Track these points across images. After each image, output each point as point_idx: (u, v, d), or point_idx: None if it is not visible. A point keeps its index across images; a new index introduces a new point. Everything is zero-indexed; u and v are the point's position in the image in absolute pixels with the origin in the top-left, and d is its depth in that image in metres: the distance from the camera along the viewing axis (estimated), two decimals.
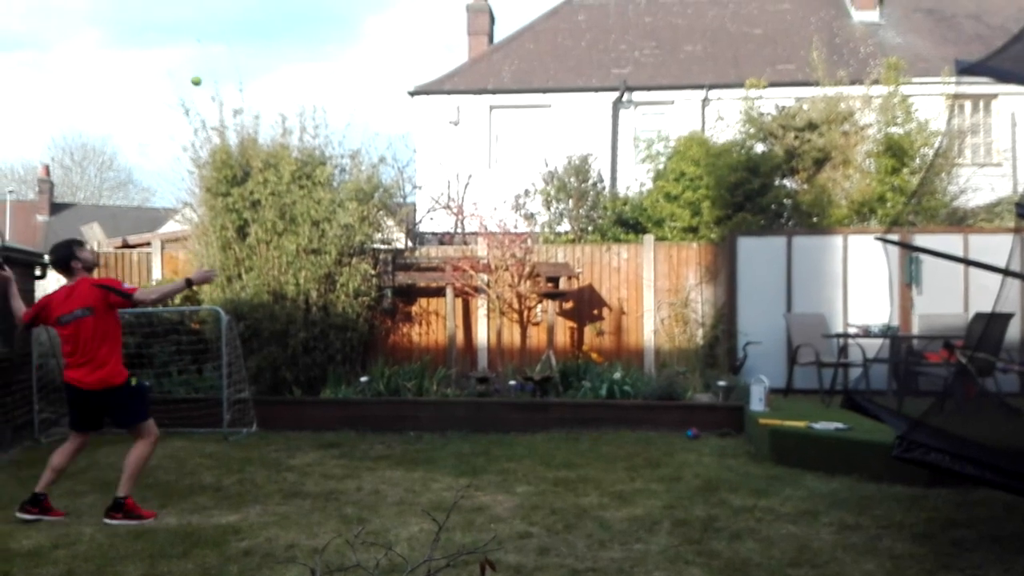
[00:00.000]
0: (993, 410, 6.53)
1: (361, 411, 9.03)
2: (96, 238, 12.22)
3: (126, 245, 12.30)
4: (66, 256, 5.53)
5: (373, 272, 10.28)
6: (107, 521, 5.30)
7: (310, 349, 9.77)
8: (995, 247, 8.82)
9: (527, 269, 10.49)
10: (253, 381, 9.41)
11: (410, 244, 12.00)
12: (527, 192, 13.98)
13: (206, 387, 9.40)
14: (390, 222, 11.05)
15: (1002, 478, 4.50)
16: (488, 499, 5.91)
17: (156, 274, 11.47)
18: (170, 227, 15.36)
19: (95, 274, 5.96)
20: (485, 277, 10.59)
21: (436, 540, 2.65)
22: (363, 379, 9.49)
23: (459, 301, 10.94)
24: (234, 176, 10.03)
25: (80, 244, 5.74)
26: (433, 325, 11.11)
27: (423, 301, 11.13)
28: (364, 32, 65.77)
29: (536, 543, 4.85)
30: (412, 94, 19.35)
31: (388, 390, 9.44)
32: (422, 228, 14.23)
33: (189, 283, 5.75)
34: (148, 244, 12.01)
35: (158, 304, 5.84)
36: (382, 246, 10.84)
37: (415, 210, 14.47)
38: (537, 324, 10.98)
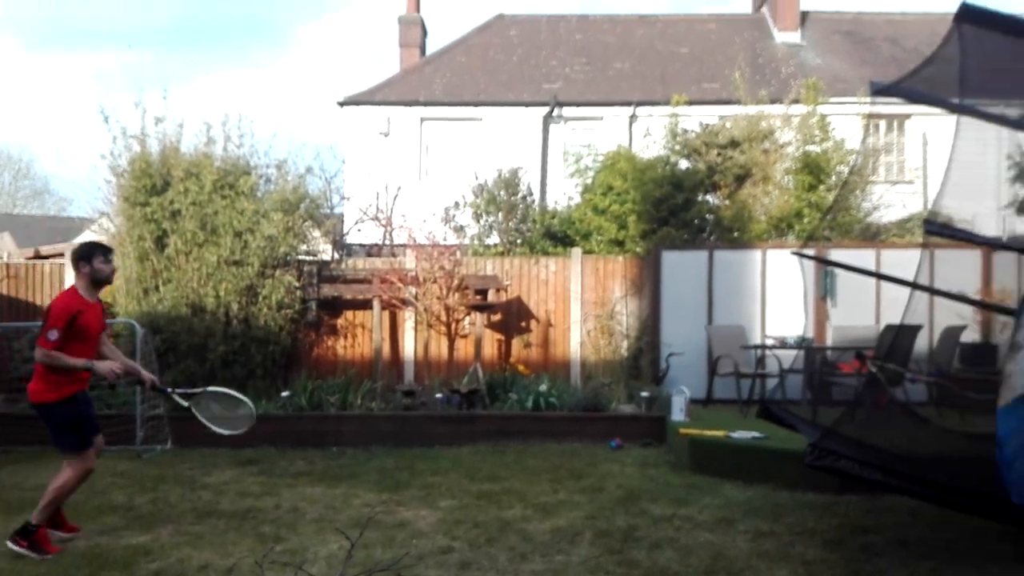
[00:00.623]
0: (902, 419, 6.77)
1: (282, 426, 8.85)
2: (6, 248, 11.74)
3: (38, 256, 11.84)
4: (78, 257, 5.15)
5: (297, 284, 10.13)
6: (9, 544, 5.00)
7: (230, 363, 9.55)
8: (906, 261, 9.14)
9: (456, 281, 10.47)
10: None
11: (336, 256, 11.84)
12: (457, 205, 13.98)
13: (119, 403, 9.08)
14: (316, 233, 10.90)
15: (907, 484, 4.67)
16: (410, 514, 5.86)
17: (68, 285, 11.06)
18: (86, 237, 14.84)
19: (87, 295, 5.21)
20: (413, 290, 10.52)
21: (349, 557, 2.60)
22: (284, 394, 9.31)
23: (386, 314, 10.84)
24: (154, 185, 9.80)
25: (104, 253, 5.23)
26: (359, 338, 10.99)
27: (349, 314, 11.00)
28: (295, 41, 64.97)
29: (457, 557, 4.81)
30: (342, 104, 19.17)
31: (311, 405, 9.27)
32: (349, 240, 14.06)
33: (90, 369, 5.09)
34: (62, 255, 11.57)
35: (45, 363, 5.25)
36: (307, 257, 10.69)
37: (342, 221, 14.29)
38: (465, 336, 10.96)
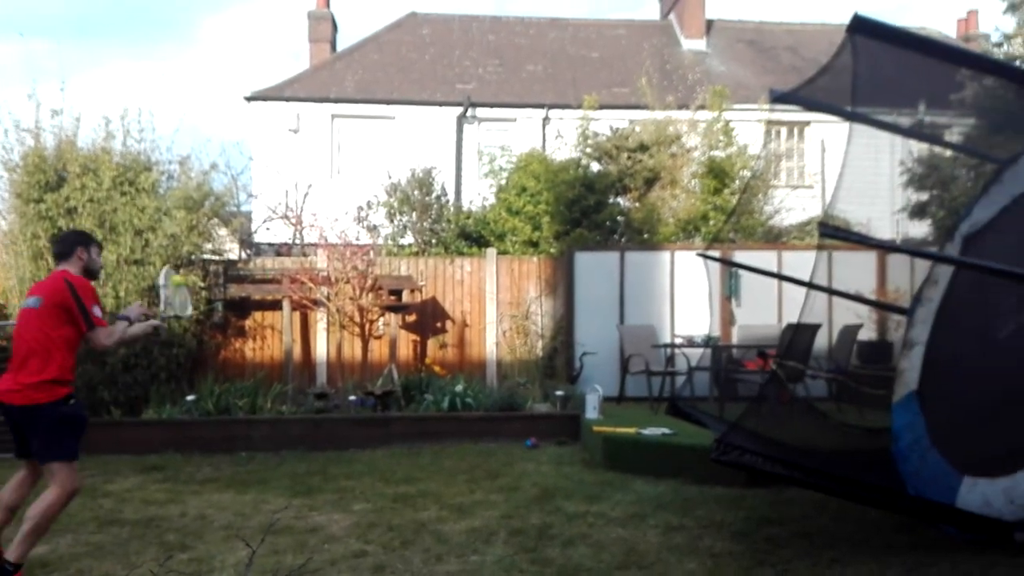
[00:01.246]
0: (803, 414, 7.07)
1: (188, 432, 8.57)
2: None
3: None
4: (74, 241, 4.71)
5: (202, 284, 9.83)
6: None
7: (131, 366, 9.19)
8: (806, 263, 9.48)
9: (369, 282, 10.34)
10: None
11: (244, 255, 11.53)
12: (369, 204, 13.82)
13: None
14: (223, 232, 10.59)
15: (808, 477, 4.87)
16: (323, 519, 5.75)
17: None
18: None
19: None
20: (325, 290, 10.34)
21: (250, 564, 2.53)
22: (190, 397, 9.01)
23: (297, 315, 10.63)
24: (48, 181, 9.36)
25: (99, 245, 4.88)
26: (268, 340, 10.73)
27: (258, 315, 10.73)
28: (200, 34, 62.90)
29: (371, 561, 4.76)
30: (249, 99, 18.68)
31: (218, 409, 8.99)
32: (258, 239, 13.72)
33: (128, 320, 4.76)
34: None
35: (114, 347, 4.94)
36: (213, 257, 10.37)
37: (250, 220, 13.93)
38: (379, 337, 10.85)
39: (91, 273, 4.74)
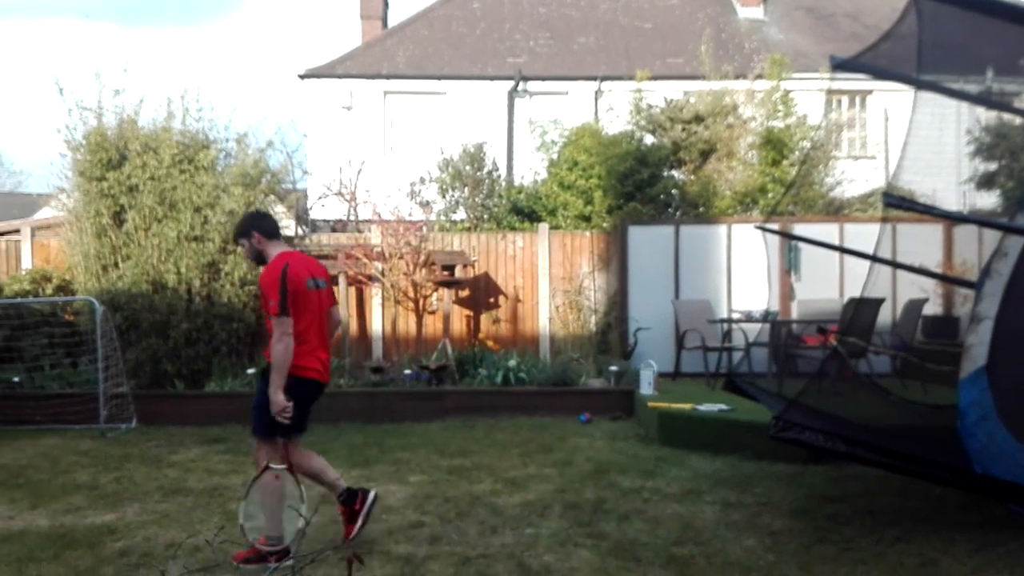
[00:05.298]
0: (865, 391, 6.90)
1: (249, 404, 8.70)
2: None
3: None
4: None
5: None
6: None
7: (193, 341, 9.41)
8: (869, 235, 9.26)
9: (422, 257, 10.39)
10: (132, 375, 9.01)
11: (300, 231, 11.68)
12: (422, 180, 13.85)
13: (81, 381, 8.96)
14: (279, 208, 10.73)
15: (871, 454, 4.75)
16: (380, 489, 5.79)
17: (26, 263, 10.79)
18: (45, 213, 14.49)
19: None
20: (379, 265, 10.43)
21: (303, 535, 2.57)
22: (250, 371, 9.19)
23: (352, 290, 10.75)
24: (110, 160, 9.59)
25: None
26: None
27: None
28: (249, 12, 63.56)
29: (428, 532, 4.82)
30: (302, 77, 18.84)
31: None
32: (313, 215, 13.89)
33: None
34: (17, 231, 11.28)
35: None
36: None
37: (306, 196, 14.09)
38: (433, 313, 10.91)
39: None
